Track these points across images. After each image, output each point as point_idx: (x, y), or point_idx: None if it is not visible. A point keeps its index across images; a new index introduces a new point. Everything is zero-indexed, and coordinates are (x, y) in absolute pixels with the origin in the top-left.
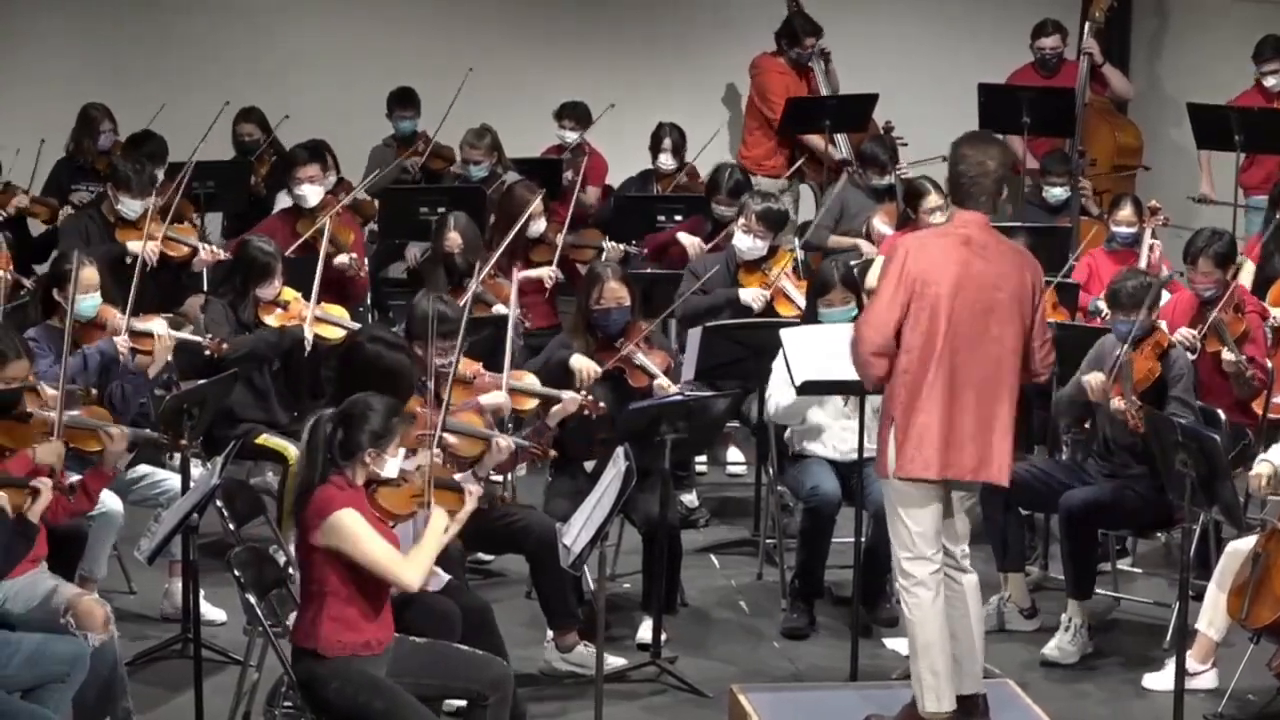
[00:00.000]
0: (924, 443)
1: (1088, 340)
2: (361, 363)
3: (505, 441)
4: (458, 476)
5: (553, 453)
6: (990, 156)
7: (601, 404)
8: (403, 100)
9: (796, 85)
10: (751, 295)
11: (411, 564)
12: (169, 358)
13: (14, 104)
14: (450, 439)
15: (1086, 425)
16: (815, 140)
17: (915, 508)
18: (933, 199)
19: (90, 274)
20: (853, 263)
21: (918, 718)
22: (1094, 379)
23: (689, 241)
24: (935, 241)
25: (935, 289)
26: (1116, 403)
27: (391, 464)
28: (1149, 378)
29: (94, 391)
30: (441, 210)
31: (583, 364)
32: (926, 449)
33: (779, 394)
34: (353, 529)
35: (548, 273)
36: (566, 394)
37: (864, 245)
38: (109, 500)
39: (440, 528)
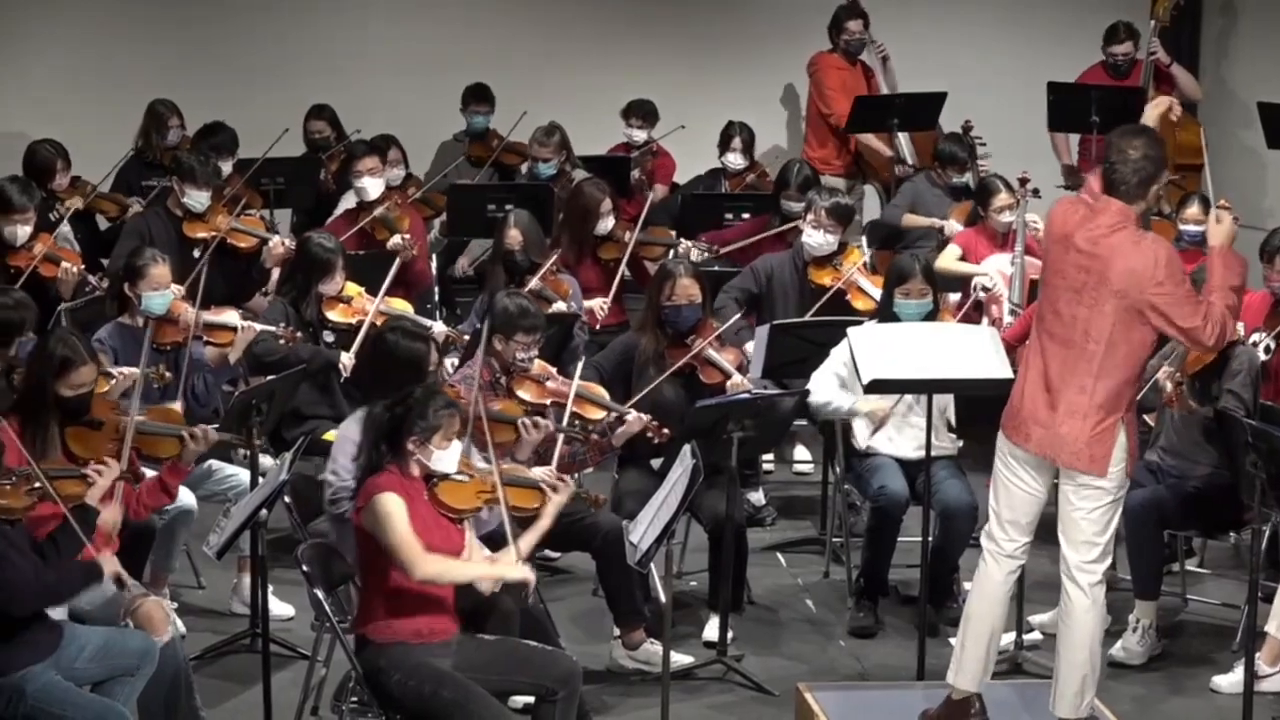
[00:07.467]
0: (1009, 401)
1: None
2: (380, 353)
3: (535, 433)
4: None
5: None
6: (1134, 148)
7: (665, 430)
8: (478, 95)
9: (855, 81)
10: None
11: (429, 561)
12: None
13: (88, 100)
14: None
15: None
16: (873, 142)
17: (999, 481)
18: (1003, 197)
19: (162, 271)
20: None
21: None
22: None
23: None
24: (1062, 203)
25: (1046, 243)
26: (1162, 377)
27: (440, 456)
28: (1199, 361)
29: (167, 375)
30: (509, 208)
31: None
32: (1007, 406)
33: (821, 389)
34: (386, 511)
35: (599, 303)
36: (632, 414)
37: (940, 223)
38: (182, 495)
39: (478, 571)
